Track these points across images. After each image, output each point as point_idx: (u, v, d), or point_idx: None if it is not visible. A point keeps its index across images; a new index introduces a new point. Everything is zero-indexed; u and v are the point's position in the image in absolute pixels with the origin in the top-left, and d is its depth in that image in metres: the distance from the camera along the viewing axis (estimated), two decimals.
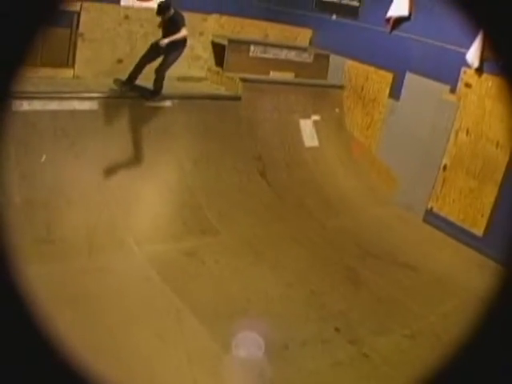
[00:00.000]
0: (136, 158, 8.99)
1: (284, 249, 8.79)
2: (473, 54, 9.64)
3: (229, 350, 6.09)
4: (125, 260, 7.53)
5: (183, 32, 9.05)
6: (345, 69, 12.59)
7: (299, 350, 6.37)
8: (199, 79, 11.50)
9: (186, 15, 9.72)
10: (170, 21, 9.05)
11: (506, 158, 9.48)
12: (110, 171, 8.58)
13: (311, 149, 11.70)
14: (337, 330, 6.87)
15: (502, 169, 9.55)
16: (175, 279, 7.31)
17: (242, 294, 7.30)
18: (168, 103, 9.65)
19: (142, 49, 9.86)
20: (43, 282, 5.47)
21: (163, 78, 9.35)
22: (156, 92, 9.43)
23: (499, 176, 9.61)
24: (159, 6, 9.01)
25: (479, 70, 9.74)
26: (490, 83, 9.65)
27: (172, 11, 9.00)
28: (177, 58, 9.38)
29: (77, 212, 7.80)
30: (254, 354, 6.14)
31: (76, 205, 7.88)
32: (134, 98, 9.38)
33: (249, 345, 6.23)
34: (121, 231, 8.02)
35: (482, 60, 9.60)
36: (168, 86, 9.69)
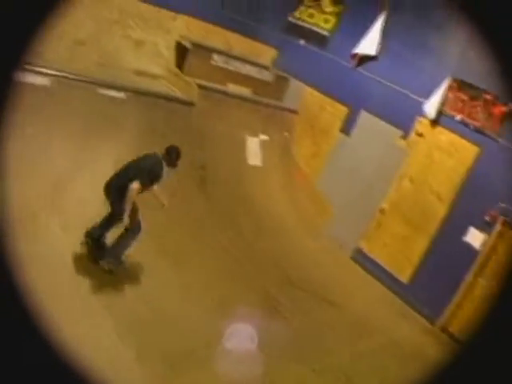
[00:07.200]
0: (79, 145, 8.59)
1: (206, 263, 8.64)
2: (431, 105, 9.74)
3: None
4: (47, 244, 7.28)
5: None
6: (302, 95, 12.56)
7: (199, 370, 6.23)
8: (156, 77, 11.30)
9: (157, 11, 9.55)
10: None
11: (444, 212, 9.58)
12: (49, 152, 8.27)
13: (254, 167, 11.61)
14: None
15: (438, 222, 9.65)
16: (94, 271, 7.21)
17: (151, 302, 7.15)
18: (122, 95, 9.39)
19: (105, 36, 9.65)
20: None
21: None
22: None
23: (433, 228, 9.71)
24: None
25: (434, 122, 9.85)
26: (442, 136, 9.75)
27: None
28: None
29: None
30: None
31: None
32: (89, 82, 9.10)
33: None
34: (46, 217, 7.77)
35: (439, 112, 9.72)
36: (123, 77, 9.49)
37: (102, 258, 7.49)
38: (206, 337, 6.75)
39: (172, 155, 7.53)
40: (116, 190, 7.32)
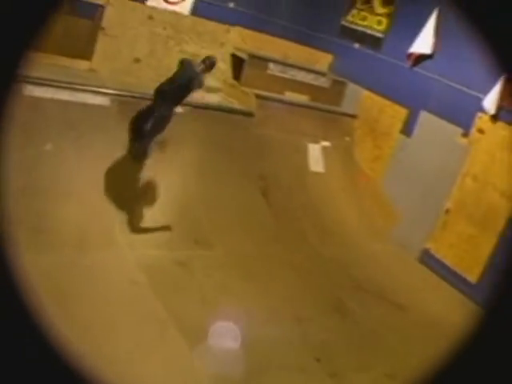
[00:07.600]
0: (140, 161, 8.86)
1: (275, 271, 8.68)
2: (490, 101, 9.60)
3: (206, 366, 6.03)
4: (114, 260, 7.44)
5: None
6: (360, 98, 12.55)
7: (275, 375, 6.27)
8: (213, 89, 11.43)
9: (211, 25, 9.71)
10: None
11: (509, 209, 9.41)
12: (112, 170, 8.50)
13: (316, 174, 11.62)
14: (317, 360, 6.78)
15: (504, 219, 9.48)
16: (162, 288, 7.20)
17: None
18: (180, 109, 9.52)
19: (161, 52, 9.89)
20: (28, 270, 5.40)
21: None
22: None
23: (500, 226, 9.52)
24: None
25: (494, 118, 9.70)
26: (503, 132, 9.59)
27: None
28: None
29: (73, 205, 7.69)
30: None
31: (73, 198, 7.77)
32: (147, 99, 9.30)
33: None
34: (115, 231, 7.96)
35: (498, 107, 9.58)
36: None
37: (134, 145, 8.46)
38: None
39: (206, 63, 8.61)
40: (162, 101, 8.24)
